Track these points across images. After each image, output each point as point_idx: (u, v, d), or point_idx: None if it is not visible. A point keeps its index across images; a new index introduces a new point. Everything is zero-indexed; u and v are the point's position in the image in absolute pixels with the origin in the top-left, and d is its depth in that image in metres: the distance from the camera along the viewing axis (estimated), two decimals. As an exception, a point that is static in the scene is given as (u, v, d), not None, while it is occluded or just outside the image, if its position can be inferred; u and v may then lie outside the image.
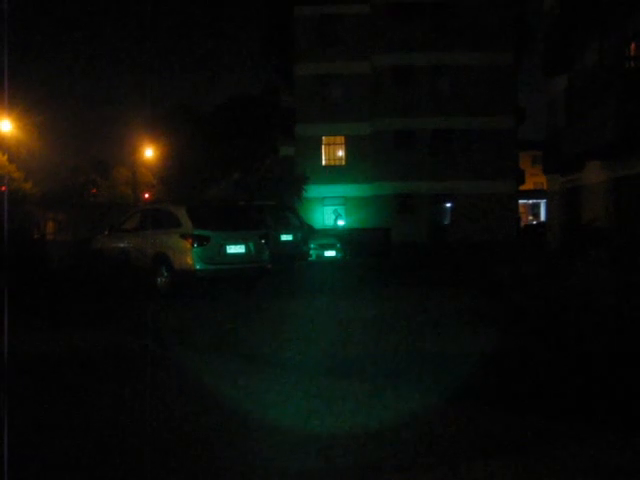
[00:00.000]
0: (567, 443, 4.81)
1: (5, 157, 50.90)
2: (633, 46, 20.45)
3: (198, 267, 13.89)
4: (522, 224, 51.13)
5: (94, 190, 67.45)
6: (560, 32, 26.36)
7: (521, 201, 50.99)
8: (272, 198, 29.51)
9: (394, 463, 4.47)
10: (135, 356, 7.94)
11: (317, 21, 38.84)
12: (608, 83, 20.64)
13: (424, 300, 13.09)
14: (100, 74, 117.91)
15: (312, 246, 23.54)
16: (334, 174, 39.08)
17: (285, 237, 21.05)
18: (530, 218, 63.10)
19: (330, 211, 39.13)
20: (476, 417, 5.45)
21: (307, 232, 23.28)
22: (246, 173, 37.35)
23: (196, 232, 14.06)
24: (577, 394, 6.11)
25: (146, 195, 57.25)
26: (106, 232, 17.22)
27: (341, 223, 37.63)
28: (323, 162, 39.88)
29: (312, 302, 13.14)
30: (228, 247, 14.44)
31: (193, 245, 13.89)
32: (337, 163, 40.02)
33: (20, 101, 57.82)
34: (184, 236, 14.08)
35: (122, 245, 15.83)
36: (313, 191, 37.17)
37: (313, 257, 23.65)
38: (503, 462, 4.44)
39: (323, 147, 39.92)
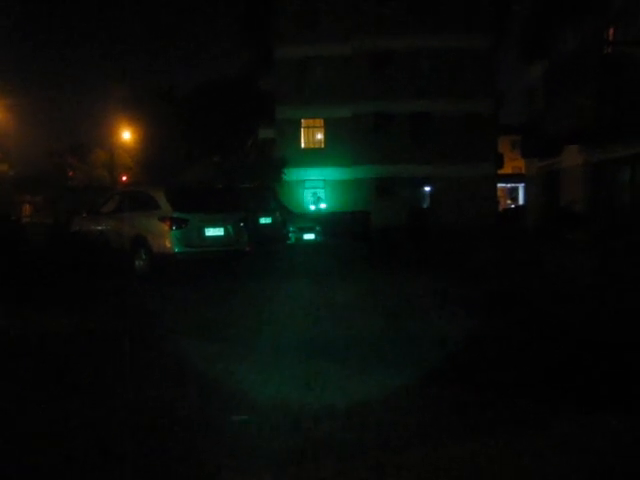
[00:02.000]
0: (541, 423, 4.85)
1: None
2: (612, 31, 20.53)
3: (177, 250, 13.82)
4: (501, 208, 51.35)
5: (71, 173, 66.78)
6: (539, 16, 26.40)
7: (500, 185, 51.16)
8: (251, 181, 29.42)
9: (376, 442, 4.49)
10: (111, 339, 7.89)
11: (296, 3, 38.55)
12: (587, 68, 20.70)
13: (402, 284, 13.11)
14: (78, 56, 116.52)
15: (291, 229, 23.52)
16: (313, 157, 38.98)
17: (264, 220, 21.04)
18: (509, 202, 63.39)
19: (310, 194, 39.06)
20: (454, 399, 5.48)
21: (286, 215, 23.26)
22: (225, 156, 37.18)
23: (175, 215, 13.97)
24: (553, 376, 6.15)
25: (124, 178, 56.78)
26: (84, 215, 17.09)
27: (323, 206, 37.56)
28: (302, 145, 39.76)
29: (291, 285, 13.12)
30: (207, 230, 14.37)
31: (172, 228, 13.81)
32: (316, 146, 39.91)
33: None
34: (163, 219, 13.99)
35: (100, 228, 15.71)
36: (293, 174, 37.09)
37: (292, 240, 23.63)
38: (482, 442, 4.47)
39: (302, 130, 39.79)
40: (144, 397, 5.53)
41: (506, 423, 4.88)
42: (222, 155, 37.35)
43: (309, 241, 24.31)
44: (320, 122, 39.62)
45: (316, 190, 38.97)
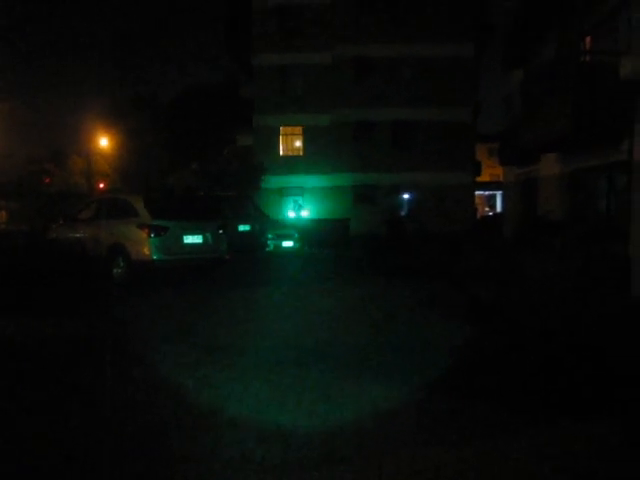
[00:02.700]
0: (525, 427, 4.88)
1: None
2: (589, 40, 20.74)
3: (155, 257, 13.77)
4: (479, 215, 51.64)
5: (48, 179, 66.24)
6: (518, 26, 26.61)
7: (478, 192, 51.48)
8: (230, 188, 29.35)
9: (359, 452, 4.49)
10: (87, 346, 7.82)
11: (277, 12, 38.57)
12: (564, 77, 20.87)
13: (381, 291, 13.14)
14: (56, 63, 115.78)
15: (270, 236, 23.47)
16: (292, 165, 38.96)
17: (243, 227, 20.99)
18: (487, 209, 63.79)
19: (289, 202, 39.01)
20: (438, 406, 5.49)
21: (265, 222, 23.22)
22: (204, 163, 37.08)
23: (153, 222, 13.93)
24: (534, 382, 6.19)
25: (101, 185, 56.40)
26: (60, 221, 16.96)
27: (305, 214, 37.48)
28: (281, 152, 39.73)
29: (269, 292, 13.10)
30: (185, 237, 14.35)
31: (150, 235, 13.76)
32: (295, 154, 39.90)
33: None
34: (141, 226, 13.94)
35: (77, 235, 15.60)
36: (271, 182, 37.02)
37: (271, 247, 23.58)
38: (471, 447, 4.49)
39: (281, 137, 39.75)
40: (118, 406, 5.49)
41: (491, 429, 4.90)
42: (201, 162, 37.25)
43: (287, 248, 24.26)
44: (299, 130, 39.60)
45: (297, 197, 38.92)
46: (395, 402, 5.58)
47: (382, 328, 8.98)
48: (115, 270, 14.21)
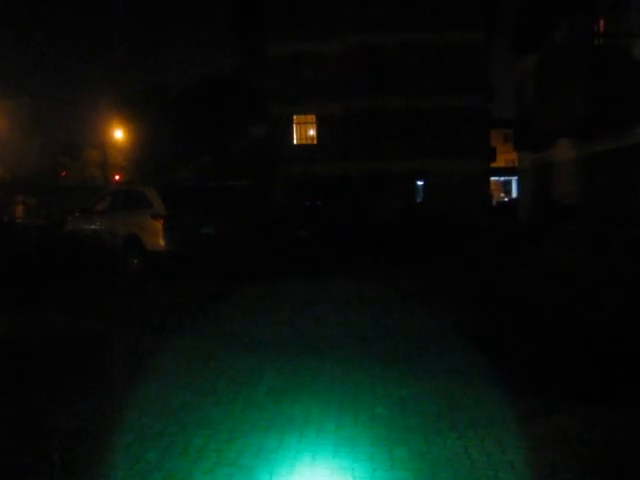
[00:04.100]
0: (541, 416, 4.89)
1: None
2: (602, 23, 20.53)
3: (170, 248, 13.83)
4: (494, 201, 51.39)
5: (64, 173, 66.55)
6: (530, 10, 26.39)
7: (493, 178, 51.23)
8: (243, 178, 29.37)
9: (370, 437, 4.51)
10: (104, 339, 7.87)
11: (289, 0, 38.48)
12: (578, 61, 20.71)
13: (398, 280, 13.14)
14: (68, 56, 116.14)
15: (284, 225, 23.46)
16: (306, 153, 38.90)
17: (256, 217, 21.03)
18: (502, 195, 63.47)
19: (304, 190, 38.88)
20: (453, 393, 5.51)
21: (279, 211, 23.22)
22: (217, 153, 37.12)
23: (167, 213, 13.98)
24: (550, 371, 6.19)
25: (116, 177, 56.61)
26: (77, 214, 17.06)
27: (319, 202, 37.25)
28: (295, 141, 39.69)
29: (284, 282, 13.13)
30: (200, 228, 14.40)
31: (164, 226, 13.81)
32: (309, 142, 39.84)
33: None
34: (155, 217, 14.00)
35: (93, 227, 15.70)
36: (286, 170, 37.01)
37: (286, 236, 23.55)
38: (480, 435, 4.51)
39: (295, 126, 39.70)
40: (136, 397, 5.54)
41: (506, 417, 4.91)
42: (214, 152, 37.29)
43: (301, 237, 24.21)
44: (312, 118, 39.52)
45: (312, 186, 38.74)
46: (409, 389, 5.61)
47: (399, 317, 8.98)
48: (130, 261, 14.29)
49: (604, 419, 4.81)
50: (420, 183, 38.83)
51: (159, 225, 13.87)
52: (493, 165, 42.33)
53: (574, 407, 5.07)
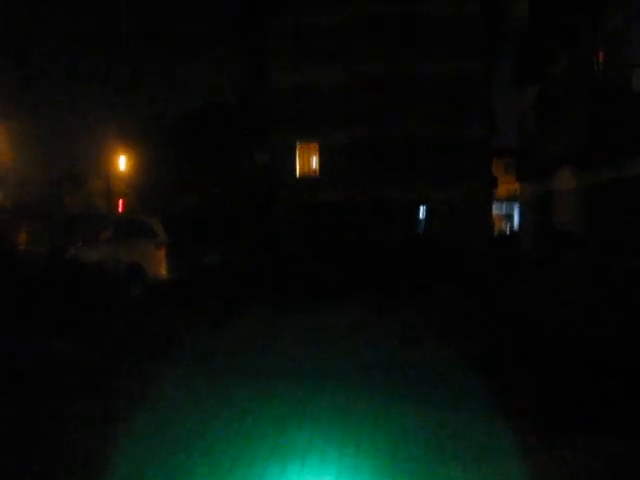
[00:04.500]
0: (540, 444, 4.90)
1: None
2: (601, 54, 20.74)
3: (172, 276, 13.88)
4: (496, 230, 51.40)
5: (68, 200, 66.76)
6: (530, 42, 26.68)
7: (494, 207, 51.29)
8: (247, 207, 29.48)
9: (373, 467, 4.52)
10: (106, 366, 7.88)
11: (293, 29, 38.89)
12: (578, 91, 20.90)
13: (399, 307, 13.15)
14: (73, 83, 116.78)
15: (286, 252, 23.51)
16: (308, 182, 39.07)
17: (260, 244, 21.08)
18: (503, 224, 63.48)
19: (305, 217, 38.95)
20: (455, 423, 5.52)
21: (282, 238, 23.28)
22: (221, 180, 37.28)
23: (170, 241, 14.05)
24: (550, 398, 6.20)
25: (120, 205, 56.75)
26: (80, 243, 17.14)
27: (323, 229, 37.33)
28: (297, 169, 39.86)
29: (287, 311, 13.13)
30: (202, 256, 14.45)
31: (167, 254, 13.88)
32: (311, 171, 40.02)
33: (-9, 111, 57.18)
34: (158, 245, 14.06)
35: (97, 255, 15.76)
36: (288, 197, 37.16)
37: (287, 263, 23.58)
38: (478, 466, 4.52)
39: (297, 154, 39.90)
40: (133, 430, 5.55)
41: (508, 448, 4.92)
42: (218, 180, 37.47)
43: (303, 265, 24.25)
44: (315, 146, 39.74)
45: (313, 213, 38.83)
46: (409, 418, 5.61)
47: (397, 343, 8.99)
48: (133, 289, 14.33)
49: (607, 449, 4.81)
50: (422, 211, 38.92)
51: (161, 254, 13.94)
52: (495, 194, 42.43)
53: (577, 436, 5.08)
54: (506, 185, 59.00)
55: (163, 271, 13.89)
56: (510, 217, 62.99)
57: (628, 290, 13.15)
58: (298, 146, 39.81)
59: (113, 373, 7.45)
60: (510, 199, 55.86)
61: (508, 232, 55.15)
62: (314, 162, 39.99)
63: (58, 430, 5.43)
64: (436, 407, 5.92)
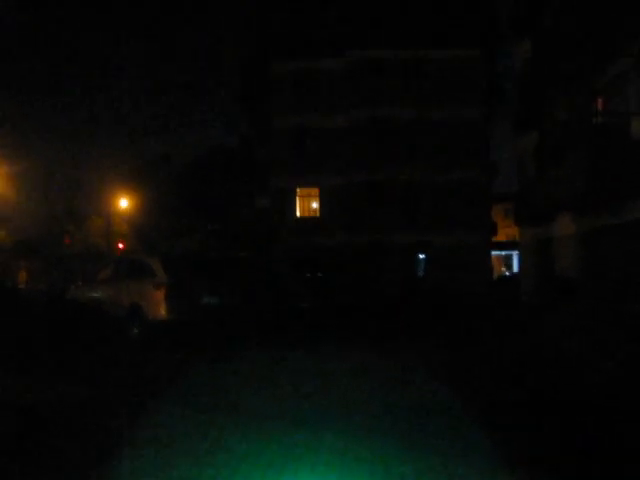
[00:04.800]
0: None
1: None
2: (600, 102, 20.99)
3: (171, 317, 13.86)
4: (495, 275, 51.40)
5: (68, 240, 66.95)
6: (530, 89, 27.02)
7: (494, 252, 51.36)
8: (247, 249, 29.56)
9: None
10: (103, 407, 7.85)
11: (293, 75, 39.35)
12: (577, 138, 21.10)
13: (398, 353, 13.10)
14: (74, 123, 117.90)
15: (286, 296, 23.48)
16: (309, 225, 39.21)
17: (260, 286, 21.03)
18: (503, 269, 63.48)
19: (306, 262, 38.99)
20: (454, 470, 5.48)
21: (281, 282, 23.28)
22: (221, 224, 37.47)
23: (169, 282, 14.05)
24: (541, 447, 6.16)
25: (120, 245, 56.91)
26: (80, 282, 17.16)
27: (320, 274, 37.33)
28: (297, 213, 40.03)
29: (286, 353, 13.07)
30: (202, 297, 14.45)
31: (166, 295, 13.87)
32: (311, 214, 40.19)
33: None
34: (158, 286, 14.07)
35: (96, 295, 15.77)
36: (288, 242, 37.25)
37: (288, 307, 23.55)
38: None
39: (297, 199, 40.10)
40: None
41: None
42: (218, 223, 37.65)
43: (303, 308, 24.23)
44: (315, 191, 39.95)
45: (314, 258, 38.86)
46: (407, 464, 5.57)
47: (395, 392, 8.96)
48: (133, 330, 14.29)
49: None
50: (422, 256, 39.00)
51: (161, 294, 13.93)
52: (494, 239, 42.55)
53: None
54: (506, 230, 59.23)
55: (162, 311, 13.87)
56: (509, 259, 63.08)
57: (623, 340, 13.12)
58: (298, 191, 39.99)
59: (107, 414, 7.40)
60: (509, 243, 55.98)
61: (508, 274, 55.20)
62: (314, 205, 40.17)
63: (55, 469, 5.39)
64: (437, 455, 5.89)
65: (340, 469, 5.46)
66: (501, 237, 56.40)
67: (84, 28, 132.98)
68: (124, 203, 49.23)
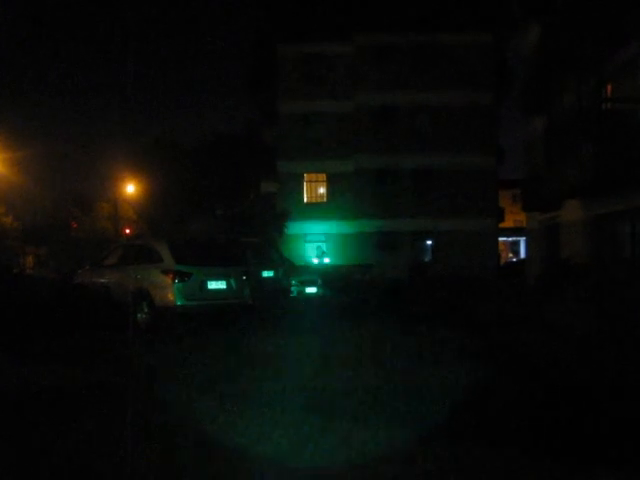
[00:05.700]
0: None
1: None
2: (609, 88, 20.87)
3: (179, 303, 13.86)
4: (503, 261, 51.38)
5: (75, 225, 67.10)
6: (539, 74, 26.86)
7: (501, 238, 51.32)
8: (254, 234, 29.56)
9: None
10: (111, 393, 7.87)
11: (300, 60, 39.27)
12: (586, 124, 20.98)
13: (403, 338, 13.10)
14: (82, 108, 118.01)
15: (293, 282, 23.51)
16: (316, 211, 39.24)
17: (267, 273, 21.05)
18: (510, 255, 63.45)
19: (312, 247, 39.15)
20: (456, 453, 5.48)
21: (288, 268, 23.27)
22: (229, 209, 37.47)
23: (177, 267, 14.05)
24: (546, 429, 6.16)
25: (127, 230, 57.04)
26: (87, 267, 17.18)
27: (327, 260, 37.51)
28: (305, 199, 40.04)
29: (293, 339, 13.08)
30: (209, 283, 14.44)
31: (174, 281, 13.87)
32: (319, 200, 40.20)
33: (1, 135, 57.84)
34: (165, 271, 14.06)
35: (103, 280, 15.77)
36: (295, 228, 37.30)
37: (294, 293, 23.61)
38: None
39: (305, 184, 40.11)
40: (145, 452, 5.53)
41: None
42: (225, 208, 37.66)
43: (311, 294, 24.29)
44: (323, 177, 39.96)
45: (320, 244, 39.04)
46: (414, 447, 5.59)
47: (401, 374, 8.96)
48: (140, 315, 14.30)
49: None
50: (429, 242, 38.98)
51: (169, 280, 13.93)
52: (501, 225, 42.49)
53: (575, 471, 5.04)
54: (513, 215, 59.13)
55: (170, 297, 13.88)
56: (517, 245, 63.01)
57: (629, 325, 13.10)
58: (306, 176, 39.97)
59: (113, 400, 7.41)
60: (517, 229, 55.92)
61: (515, 260, 55.15)
62: (321, 190, 40.16)
63: (61, 454, 5.42)
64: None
65: (347, 453, 5.46)
66: (509, 223, 56.33)
67: (90, 13, 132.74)
68: (131, 188, 49.28)
